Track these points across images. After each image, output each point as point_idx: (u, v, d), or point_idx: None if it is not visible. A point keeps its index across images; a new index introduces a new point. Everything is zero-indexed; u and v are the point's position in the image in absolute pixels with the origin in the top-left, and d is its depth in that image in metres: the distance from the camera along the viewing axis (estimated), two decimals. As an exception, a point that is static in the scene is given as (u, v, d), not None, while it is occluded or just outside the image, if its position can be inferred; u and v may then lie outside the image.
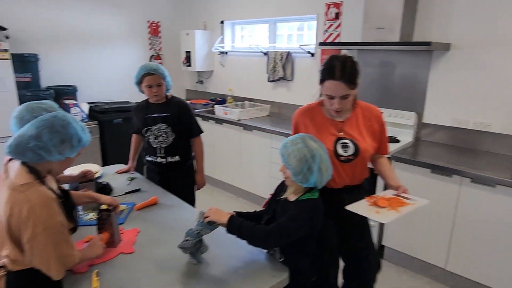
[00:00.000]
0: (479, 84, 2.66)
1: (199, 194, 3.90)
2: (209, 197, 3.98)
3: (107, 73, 4.37)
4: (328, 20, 3.42)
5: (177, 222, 1.82)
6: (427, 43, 2.47)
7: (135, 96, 4.64)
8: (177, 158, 2.33)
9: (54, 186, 1.34)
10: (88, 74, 4.19)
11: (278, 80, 3.96)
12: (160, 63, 4.81)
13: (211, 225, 1.43)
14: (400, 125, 3.03)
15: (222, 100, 4.52)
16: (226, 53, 4.55)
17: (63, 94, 3.75)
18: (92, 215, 1.78)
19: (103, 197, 1.63)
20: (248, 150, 3.68)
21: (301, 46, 3.63)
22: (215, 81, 4.83)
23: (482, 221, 2.24)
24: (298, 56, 3.76)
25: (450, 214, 2.37)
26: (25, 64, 3.42)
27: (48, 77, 3.84)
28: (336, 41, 3.38)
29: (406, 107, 3.04)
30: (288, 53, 3.78)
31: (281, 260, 1.47)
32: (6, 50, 3.03)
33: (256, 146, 3.58)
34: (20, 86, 3.32)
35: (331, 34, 3.43)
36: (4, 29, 3.26)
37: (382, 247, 2.81)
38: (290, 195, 1.49)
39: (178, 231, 1.69)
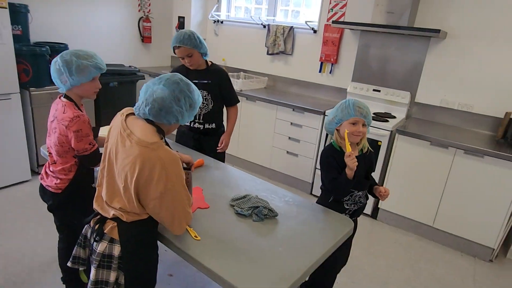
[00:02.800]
0: (467, 70, 3.07)
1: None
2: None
3: (97, 33, 4.12)
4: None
5: (230, 180, 1.95)
6: (437, 31, 2.77)
7: (127, 59, 4.49)
8: (213, 125, 2.41)
9: None
10: (78, 32, 3.92)
11: (278, 53, 4.07)
12: (149, 27, 4.63)
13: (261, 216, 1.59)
14: (395, 102, 3.38)
15: (214, 70, 4.52)
16: (222, 22, 4.51)
17: (54, 52, 3.48)
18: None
19: (182, 156, 1.70)
20: (250, 121, 3.81)
21: (306, 22, 3.76)
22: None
23: (470, 186, 2.68)
24: (300, 31, 3.90)
25: (442, 180, 2.78)
26: (15, 15, 3.11)
27: (38, 31, 3.54)
28: (340, 20, 3.57)
29: (402, 87, 3.38)
30: (291, 28, 3.90)
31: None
32: (4, -2, 2.74)
33: (259, 117, 3.72)
34: (12, 39, 3.04)
35: (335, 13, 3.61)
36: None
37: (377, 209, 3.20)
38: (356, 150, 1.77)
39: (236, 188, 1.84)
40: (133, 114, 1.34)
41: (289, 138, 3.56)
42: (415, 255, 2.75)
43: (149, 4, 4.60)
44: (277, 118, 3.59)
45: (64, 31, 3.80)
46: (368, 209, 3.22)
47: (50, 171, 1.71)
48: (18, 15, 3.16)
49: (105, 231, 1.29)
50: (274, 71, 4.22)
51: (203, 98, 2.31)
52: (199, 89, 2.28)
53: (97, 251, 1.28)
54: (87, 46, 4.01)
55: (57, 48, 3.52)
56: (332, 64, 3.76)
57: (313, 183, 3.53)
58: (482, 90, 3.04)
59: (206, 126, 2.38)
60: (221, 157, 2.52)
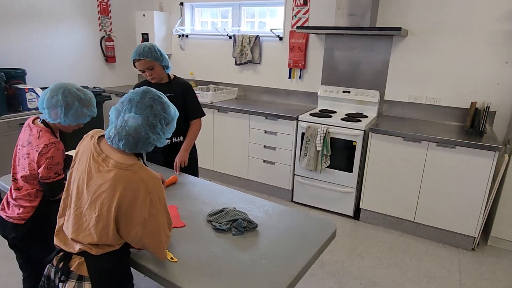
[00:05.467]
0: (431, 65, 3.15)
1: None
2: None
3: (57, 55, 3.96)
4: (296, 6, 3.62)
5: (204, 196, 1.87)
6: (398, 29, 2.84)
7: (91, 80, 4.33)
8: (181, 138, 2.32)
9: None
10: (36, 56, 3.74)
11: (246, 63, 4.06)
12: (112, 46, 4.50)
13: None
14: (365, 102, 3.42)
15: (183, 84, 4.44)
16: (187, 36, 4.46)
17: (11, 78, 3.30)
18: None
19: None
20: (223, 133, 3.74)
21: (272, 30, 3.78)
22: (174, 65, 4.71)
23: (445, 177, 2.72)
24: (266, 39, 3.91)
25: (418, 174, 2.81)
26: (-36, 42, 2.94)
27: (-9, 58, 3.35)
28: (305, 25, 3.61)
29: (371, 86, 3.43)
30: (257, 37, 3.90)
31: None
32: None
33: (232, 127, 3.66)
34: (-37, 67, 2.85)
35: (299, 20, 3.65)
36: None
37: (358, 210, 3.19)
38: None
39: (212, 203, 1.76)
40: (103, 136, 1.24)
41: (264, 146, 3.51)
42: (400, 252, 2.75)
43: (110, 23, 4.49)
44: (251, 127, 3.54)
45: (22, 56, 3.62)
46: (349, 210, 3.21)
47: (13, 199, 1.58)
48: (-33, 42, 2.99)
49: (71, 269, 1.17)
50: (244, 81, 4.20)
51: None
52: None
53: (66, 292, 1.16)
54: (48, 69, 3.84)
55: (13, 74, 3.35)
56: (300, 69, 3.77)
57: (293, 190, 3.48)
58: (447, 83, 3.13)
59: (174, 140, 2.30)
60: (194, 171, 2.43)
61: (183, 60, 4.60)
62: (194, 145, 2.44)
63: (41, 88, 3.56)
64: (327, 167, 3.17)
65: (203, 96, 3.79)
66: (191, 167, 2.36)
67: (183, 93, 2.26)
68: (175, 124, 1.27)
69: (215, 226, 1.54)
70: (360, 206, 3.15)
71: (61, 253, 1.21)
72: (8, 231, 1.57)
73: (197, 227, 1.56)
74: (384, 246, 2.82)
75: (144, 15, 4.33)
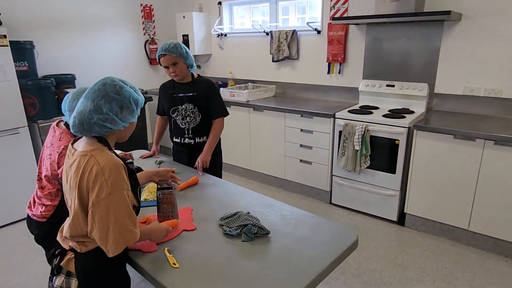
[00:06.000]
0: (490, 52, 2.75)
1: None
2: (220, 181, 3.96)
3: (103, 60, 4.19)
4: (334, -4, 3.41)
5: (223, 198, 1.80)
6: (447, 12, 2.51)
7: (136, 82, 4.53)
8: (204, 138, 2.29)
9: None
10: (84, 62, 4.01)
11: (283, 59, 3.93)
12: (156, 48, 4.66)
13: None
14: (412, 96, 3.10)
15: (223, 84, 4.45)
16: (225, 35, 4.46)
17: (61, 83, 3.56)
18: (147, 195, 1.74)
19: (158, 171, 1.60)
20: (259, 131, 3.67)
21: (308, 24, 3.61)
22: (214, 65, 4.75)
23: (505, 180, 2.35)
24: (303, 34, 3.74)
25: (473, 177, 2.47)
26: (21, 51, 3.21)
27: (44, 65, 3.63)
28: (344, 16, 3.38)
29: (418, 79, 3.10)
30: (294, 31, 3.75)
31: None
32: (4, 36, 2.82)
33: (268, 126, 3.57)
34: (17, 75, 3.12)
35: (338, 11, 3.43)
36: (-3, 14, 3.04)
37: (403, 215, 2.91)
38: None
39: (229, 206, 1.69)
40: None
41: (301, 145, 3.37)
42: (450, 264, 2.43)
43: (154, 27, 4.65)
44: (286, 126, 3.41)
45: (71, 62, 3.89)
46: (393, 215, 2.94)
47: (37, 197, 1.67)
48: (24, 52, 3.26)
49: (61, 264, 1.18)
50: (282, 78, 4.08)
51: (189, 111, 2.22)
52: (185, 103, 2.20)
53: (55, 286, 1.17)
54: (95, 73, 4.08)
55: (64, 79, 3.60)
56: (340, 63, 3.55)
57: (331, 191, 3.29)
58: (510, 72, 2.71)
59: (197, 140, 2.27)
60: (218, 171, 2.38)
61: (222, 60, 4.61)
62: (219, 145, 2.39)
63: (89, 92, 3.79)
64: (367, 167, 2.93)
65: (239, 95, 3.74)
66: (214, 167, 2.32)
67: (206, 92, 2.23)
68: (137, 109, 1.25)
69: (225, 231, 1.46)
70: (405, 211, 2.86)
71: (59, 249, 1.23)
72: (33, 228, 1.66)
73: (207, 231, 1.50)
74: (431, 256, 2.53)
75: (184, 17, 4.41)
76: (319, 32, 3.61)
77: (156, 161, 2.33)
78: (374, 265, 2.44)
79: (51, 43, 3.70)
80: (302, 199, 3.46)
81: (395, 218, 2.94)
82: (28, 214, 1.68)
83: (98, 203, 1.08)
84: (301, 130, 3.32)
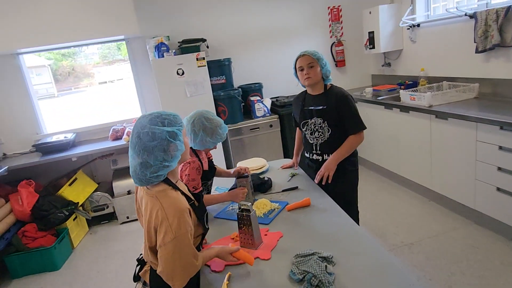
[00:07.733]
0: None
1: (378, 194, 3.47)
2: (391, 197, 3.45)
3: (289, 67, 4.46)
4: None
5: (323, 229, 1.58)
6: None
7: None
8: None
9: (184, 188, 1.37)
10: (271, 70, 4.42)
11: (491, 48, 2.93)
12: (342, 50, 4.54)
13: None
14: None
15: (413, 83, 3.79)
16: (418, 25, 3.77)
17: (250, 92, 4.10)
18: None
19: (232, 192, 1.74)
20: (442, 144, 2.92)
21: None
22: (404, 62, 4.13)
23: None
24: (525, 10, 2.64)
25: None
26: (220, 68, 3.93)
27: (239, 77, 4.29)
28: None
29: None
30: (509, 8, 2.71)
31: None
32: (203, 58, 3.56)
33: (453, 138, 2.78)
34: (216, 87, 3.85)
35: None
36: (204, 40, 3.84)
37: None
38: None
39: (321, 241, 1.47)
40: None
41: (499, 168, 2.43)
42: None
43: (341, 28, 4.53)
44: (478, 140, 2.54)
45: (260, 71, 4.38)
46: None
47: None
48: (223, 67, 3.96)
49: (139, 273, 1.38)
50: (489, 74, 3.04)
51: (318, 126, 2.05)
52: (314, 117, 2.07)
53: (136, 291, 1.39)
54: (280, 81, 4.42)
55: (252, 88, 4.13)
56: None
57: (548, 241, 2.21)
58: None
59: (325, 157, 2.06)
60: (349, 191, 2.10)
61: (414, 55, 3.93)
62: (354, 163, 2.10)
63: (271, 98, 4.18)
64: None
65: (419, 98, 3.10)
66: (342, 185, 2.05)
67: (336, 106, 2.00)
68: (175, 140, 1.20)
69: (291, 271, 1.30)
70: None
71: (141, 257, 1.44)
72: None
73: (278, 265, 1.38)
74: None
75: (370, 13, 4.06)
76: (551, 3, 2.44)
77: (290, 173, 2.32)
78: None
79: (244, 57, 4.31)
80: (504, 242, 2.50)
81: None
82: None
83: (164, 245, 1.17)
84: (500, 147, 2.39)
